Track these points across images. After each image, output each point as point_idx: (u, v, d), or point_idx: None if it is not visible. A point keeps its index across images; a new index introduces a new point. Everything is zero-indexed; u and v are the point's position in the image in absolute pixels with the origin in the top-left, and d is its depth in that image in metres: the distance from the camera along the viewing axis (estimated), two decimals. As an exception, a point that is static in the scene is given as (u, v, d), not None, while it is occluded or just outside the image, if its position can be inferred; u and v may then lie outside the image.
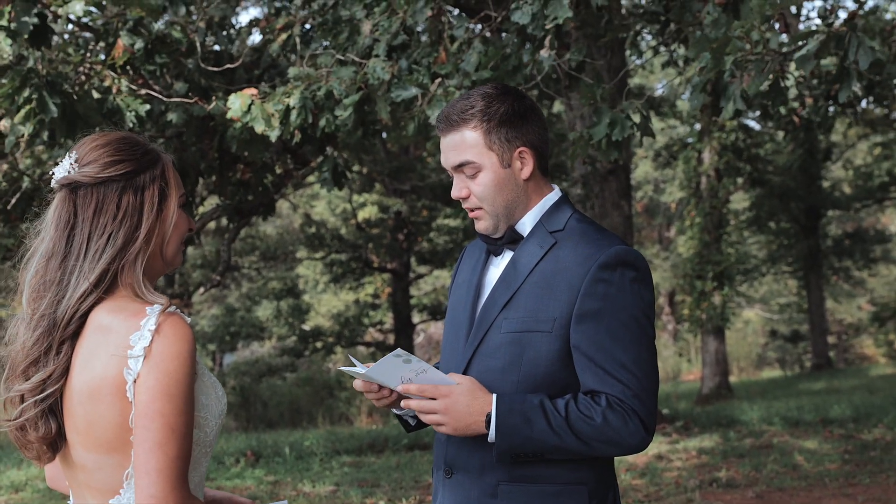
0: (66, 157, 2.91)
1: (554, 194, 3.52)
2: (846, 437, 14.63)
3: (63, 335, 2.76)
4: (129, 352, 2.68)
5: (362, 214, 31.06)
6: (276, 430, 21.21)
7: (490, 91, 3.45)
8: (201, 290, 16.76)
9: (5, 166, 8.83)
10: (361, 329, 34.16)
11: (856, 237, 35.72)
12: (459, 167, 3.43)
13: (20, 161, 8.95)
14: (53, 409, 2.79)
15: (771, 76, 6.43)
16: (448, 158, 3.46)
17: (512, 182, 3.42)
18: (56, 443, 2.82)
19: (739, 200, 36.71)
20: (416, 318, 33.40)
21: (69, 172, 2.87)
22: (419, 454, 15.09)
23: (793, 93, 13.25)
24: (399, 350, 3.21)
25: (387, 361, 3.23)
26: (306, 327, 34.83)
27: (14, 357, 2.83)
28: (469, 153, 3.39)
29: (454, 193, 3.47)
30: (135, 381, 2.67)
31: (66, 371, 2.77)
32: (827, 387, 26.03)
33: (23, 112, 7.00)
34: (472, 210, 3.48)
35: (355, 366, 3.37)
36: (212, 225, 26.49)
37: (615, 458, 3.52)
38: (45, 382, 2.77)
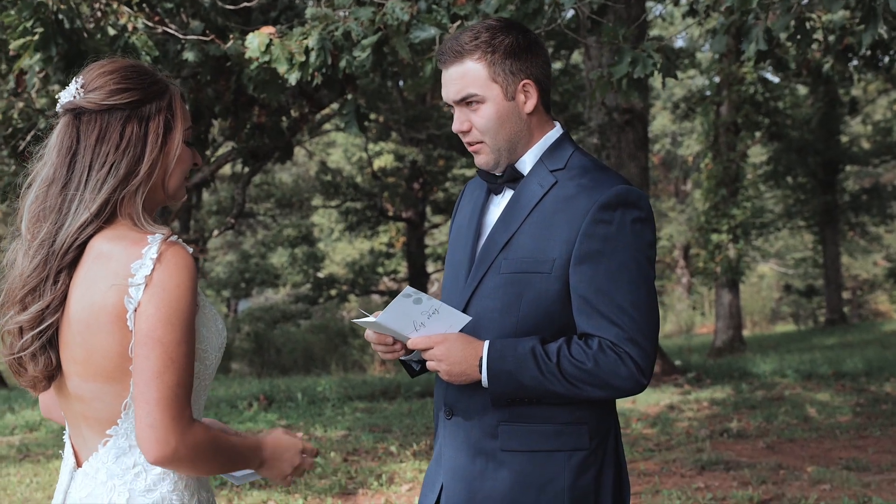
0: (73, 81, 2.86)
1: (555, 131, 3.45)
2: (858, 390, 14.64)
3: (61, 264, 2.72)
4: (131, 280, 2.64)
5: (378, 163, 31.04)
6: (289, 377, 21.28)
7: (494, 23, 3.37)
8: (215, 232, 16.76)
9: (21, 104, 8.81)
10: (376, 277, 34.24)
11: (873, 193, 35.51)
12: (462, 100, 3.36)
13: (35, 101, 8.93)
14: (52, 341, 2.75)
15: (796, 19, 6.36)
16: (450, 91, 3.38)
17: (515, 115, 3.35)
18: (53, 374, 2.79)
19: (757, 154, 36.54)
20: (430, 267, 33.41)
21: (74, 98, 2.82)
22: (430, 401, 15.13)
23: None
24: (408, 289, 3.17)
25: (398, 304, 3.19)
26: (321, 275, 34.92)
27: (11, 284, 2.79)
28: (473, 86, 3.32)
29: (455, 127, 3.40)
30: (136, 310, 2.64)
31: (63, 301, 2.73)
32: (840, 341, 26.00)
33: (20, 42, 6.93)
34: (472, 144, 3.41)
35: (367, 317, 3.32)
36: (228, 171, 26.49)
37: (618, 400, 3.49)
38: (44, 313, 2.72)
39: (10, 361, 2.80)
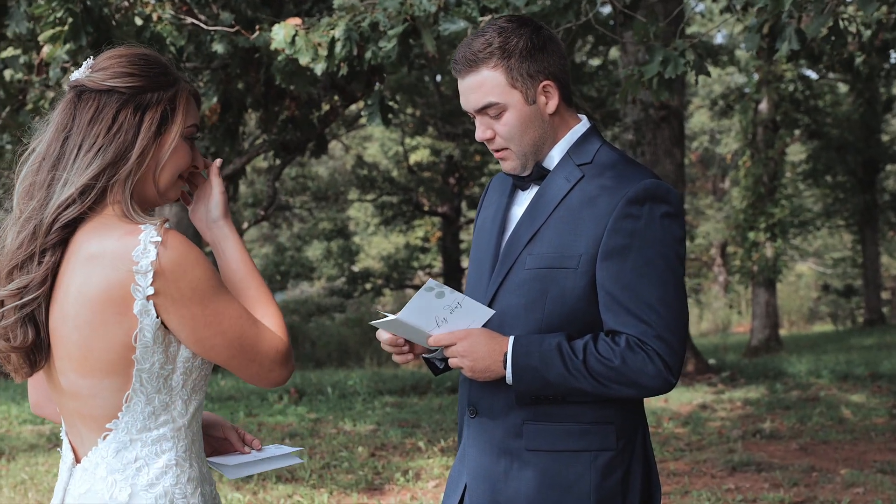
0: (87, 61, 2.86)
1: (581, 125, 3.38)
2: (895, 392, 14.47)
3: (44, 243, 2.68)
4: (135, 268, 2.59)
5: (414, 157, 31.03)
6: (322, 370, 21.29)
7: (505, 25, 3.28)
8: (246, 225, 16.79)
9: (52, 94, 8.82)
10: (410, 272, 34.24)
11: (913, 192, 35.25)
12: (482, 109, 3.28)
13: (57, 89, 8.92)
14: (34, 320, 2.70)
15: (831, 19, 6.25)
16: (469, 101, 3.30)
17: (538, 118, 3.27)
18: (34, 356, 2.74)
19: (796, 152, 36.27)
20: (464, 262, 33.34)
21: (81, 75, 2.80)
22: (461, 397, 15.08)
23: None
24: (431, 282, 3.11)
25: (419, 298, 3.12)
26: (356, 269, 34.97)
27: (1, 259, 2.75)
28: (492, 94, 3.24)
29: (478, 136, 3.33)
30: (147, 298, 2.60)
31: (45, 281, 2.68)
32: (878, 342, 25.75)
33: (49, 32, 6.91)
34: (497, 150, 3.34)
35: (386, 317, 3.23)
36: (264, 164, 26.54)
37: (649, 399, 3.41)
38: (25, 290, 2.68)
39: None
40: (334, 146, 33.97)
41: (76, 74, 2.81)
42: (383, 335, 3.31)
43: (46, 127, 2.82)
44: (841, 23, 6.39)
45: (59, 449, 2.94)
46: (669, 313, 3.13)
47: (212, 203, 2.97)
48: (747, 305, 39.36)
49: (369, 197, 32.98)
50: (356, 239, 38.06)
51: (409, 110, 26.76)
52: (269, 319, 2.82)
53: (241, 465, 3.05)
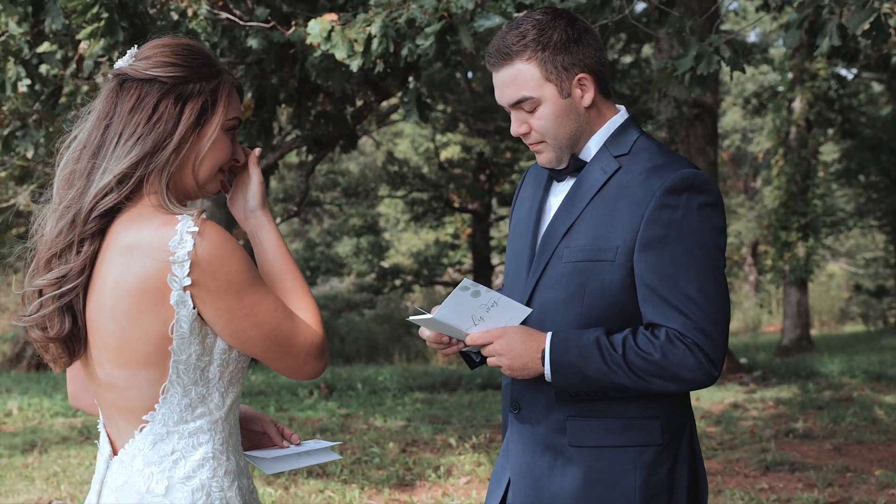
0: (130, 50, 2.86)
1: (619, 116, 3.33)
2: (929, 393, 14.39)
3: (83, 232, 2.67)
4: (172, 258, 2.58)
5: (445, 154, 31.02)
6: (351, 366, 21.33)
7: (540, 17, 3.24)
8: (278, 220, 16.81)
9: (86, 88, 8.84)
10: (440, 268, 34.22)
11: (947, 193, 35.00)
12: (517, 103, 3.24)
13: (102, 84, 8.95)
14: (72, 309, 2.69)
15: (874, 14, 6.19)
16: (504, 95, 3.27)
17: (573, 111, 3.24)
18: (72, 345, 2.73)
19: (829, 152, 36.08)
20: (495, 259, 33.34)
21: (124, 64, 2.80)
22: (491, 393, 15.10)
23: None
24: (466, 281, 3.08)
25: (455, 298, 3.10)
26: (385, 265, 34.99)
27: (41, 248, 2.74)
28: (526, 88, 3.21)
29: (514, 130, 3.30)
30: (184, 289, 2.59)
31: (83, 270, 2.67)
32: (911, 343, 25.63)
33: (88, 30, 6.94)
34: (533, 144, 3.31)
35: (423, 314, 3.21)
36: (295, 159, 26.57)
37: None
38: (63, 279, 2.67)
39: (32, 329, 2.74)
40: (365, 142, 34.01)
41: (120, 63, 2.81)
42: (426, 332, 3.30)
43: (88, 115, 2.81)
44: (883, 18, 6.33)
45: (94, 441, 2.93)
46: (710, 305, 3.09)
47: (250, 193, 2.95)
48: (778, 305, 39.23)
49: (399, 193, 32.97)
50: (386, 235, 38.07)
51: (441, 107, 26.73)
52: (305, 312, 2.82)
53: (279, 459, 3.04)
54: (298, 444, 3.12)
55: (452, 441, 10.76)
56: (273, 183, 30.53)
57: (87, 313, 2.70)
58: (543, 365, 3.13)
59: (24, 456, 10.43)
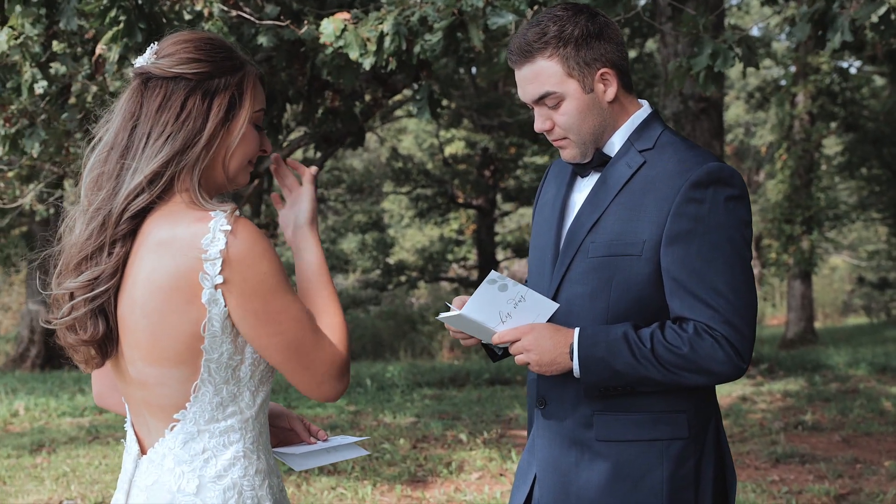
0: (150, 47, 2.82)
1: (643, 111, 3.34)
2: (935, 385, 14.43)
3: (114, 234, 2.66)
4: (203, 256, 2.57)
5: (449, 150, 30.99)
6: (357, 362, 21.33)
7: (560, 13, 3.24)
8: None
9: (94, 88, 8.85)
10: (445, 264, 34.19)
11: (950, 185, 35.02)
12: (540, 100, 3.25)
13: (110, 84, 8.97)
14: (104, 311, 2.68)
15: (884, 7, 6.20)
16: (526, 92, 3.28)
17: (597, 107, 3.24)
18: (105, 347, 2.73)
19: (831, 145, 36.07)
20: (500, 255, 33.34)
21: (146, 62, 2.77)
22: (500, 389, 15.11)
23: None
24: (494, 273, 3.09)
25: (483, 292, 3.11)
26: (390, 261, 34.97)
27: (69, 250, 2.73)
28: (548, 84, 3.21)
29: (537, 126, 3.31)
30: (216, 287, 2.59)
31: (116, 272, 2.66)
32: (915, 335, 25.67)
33: (109, 34, 6.97)
34: (557, 140, 3.31)
35: (452, 311, 3.22)
36: (299, 156, 26.59)
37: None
38: (95, 282, 2.66)
39: (62, 330, 2.73)
40: (369, 138, 33.95)
41: (140, 61, 2.78)
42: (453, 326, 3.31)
43: (113, 116, 2.79)
44: (893, 14, 6.35)
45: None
46: (738, 298, 3.09)
47: (301, 208, 2.95)
48: (781, 298, 39.25)
49: (404, 189, 32.94)
50: (391, 231, 38.04)
51: (445, 102, 26.72)
52: (333, 330, 2.78)
53: (307, 455, 3.03)
54: (326, 441, 3.11)
55: (463, 437, 10.78)
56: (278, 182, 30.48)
57: (118, 310, 2.69)
58: (572, 360, 3.14)
59: (33, 456, 10.43)
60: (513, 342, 3.19)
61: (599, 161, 3.32)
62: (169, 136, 2.69)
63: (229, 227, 2.59)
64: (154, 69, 2.73)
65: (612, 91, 3.25)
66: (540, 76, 3.23)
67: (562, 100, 3.23)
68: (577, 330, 3.16)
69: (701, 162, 3.15)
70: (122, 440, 10.61)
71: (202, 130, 2.71)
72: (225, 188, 2.86)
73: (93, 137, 2.84)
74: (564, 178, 3.47)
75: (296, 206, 2.97)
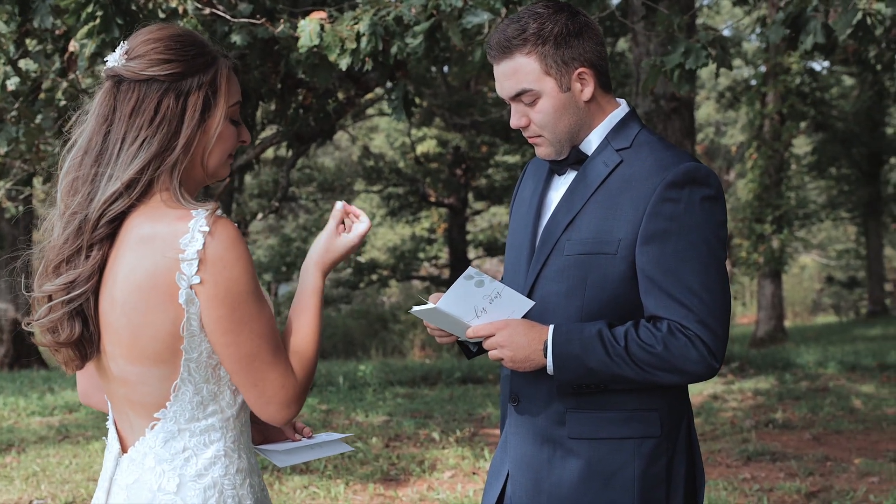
0: (120, 45, 2.78)
1: (620, 110, 3.34)
2: (904, 382, 14.54)
3: (91, 238, 2.64)
4: (181, 256, 2.55)
5: (421, 148, 30.99)
6: (329, 361, 21.31)
7: (541, 10, 3.24)
8: (259, 216, 16.81)
9: (65, 84, 8.81)
10: (417, 263, 34.20)
11: (917, 185, 35.35)
12: (517, 96, 3.25)
13: (81, 80, 8.93)
14: (83, 313, 2.66)
15: (859, 14, 6.25)
16: (504, 88, 3.28)
17: (573, 105, 3.25)
18: (84, 348, 2.71)
19: (801, 145, 36.30)
20: (471, 253, 33.35)
21: (117, 63, 2.73)
22: (472, 387, 15.14)
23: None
24: (471, 269, 3.09)
25: (459, 287, 3.10)
26: (362, 260, 34.93)
27: (48, 253, 2.71)
28: (526, 81, 3.22)
29: (513, 122, 3.31)
30: (191, 287, 2.57)
31: (93, 275, 2.64)
32: (883, 333, 25.83)
33: (86, 29, 6.93)
34: (532, 137, 3.32)
35: (426, 305, 3.20)
36: (269, 154, 26.53)
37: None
38: (72, 284, 2.64)
39: (42, 332, 2.71)
40: (340, 137, 33.94)
41: (111, 62, 2.74)
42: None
43: (87, 118, 2.76)
44: (868, 19, 6.39)
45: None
46: (712, 298, 3.10)
47: (316, 244, 2.94)
48: (751, 297, 39.47)
49: (376, 188, 32.93)
50: (363, 230, 37.96)
51: (417, 101, 26.69)
52: (298, 353, 2.74)
53: (291, 452, 3.03)
54: (310, 437, 3.11)
55: (436, 435, 10.79)
56: (248, 179, 30.44)
57: (100, 306, 2.68)
58: (546, 358, 3.14)
59: (2, 456, 10.35)
60: (487, 337, 3.18)
61: (576, 159, 3.32)
62: (144, 140, 2.66)
63: (208, 228, 2.57)
64: (125, 72, 2.70)
65: (588, 90, 3.26)
66: (518, 73, 3.23)
67: (538, 97, 3.23)
68: (551, 327, 3.16)
69: (677, 162, 3.16)
70: (94, 440, 10.58)
71: (178, 133, 2.69)
72: (205, 183, 2.84)
73: (66, 137, 2.82)
74: (542, 176, 3.48)
75: (328, 243, 2.94)
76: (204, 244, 2.56)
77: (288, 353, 2.73)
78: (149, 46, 2.73)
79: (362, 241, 2.97)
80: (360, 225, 2.95)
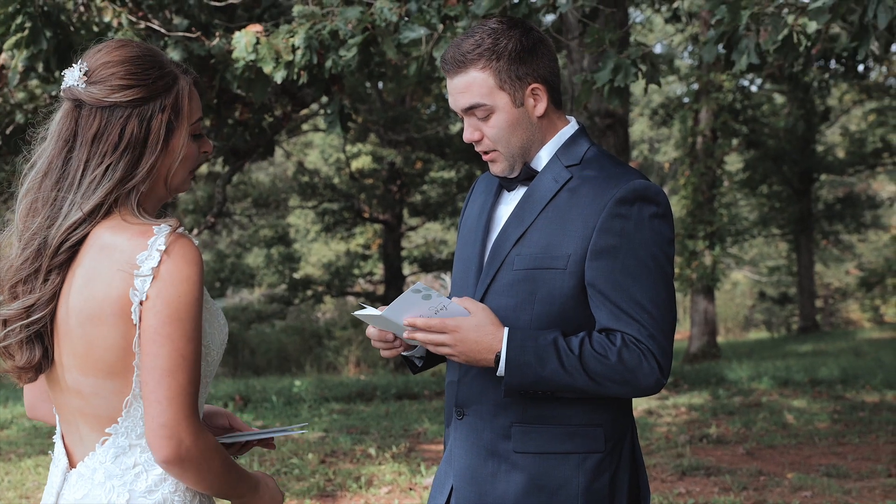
0: (79, 63, 2.73)
1: (570, 127, 3.38)
2: (835, 397, 14.70)
3: (51, 263, 2.62)
4: (136, 272, 2.54)
5: (356, 164, 30.94)
6: (263, 377, 21.20)
7: (496, 26, 3.27)
8: (195, 231, 16.70)
9: (-1, 99, 8.74)
10: (351, 279, 34.13)
11: (847, 202, 35.89)
12: (470, 110, 3.27)
13: (13, 95, 8.85)
14: (41, 335, 2.65)
15: (786, 30, 6.34)
16: (457, 101, 3.30)
17: (526, 121, 3.27)
18: (40, 365, 2.69)
19: (734, 162, 36.68)
20: (406, 269, 33.33)
21: (76, 84, 2.69)
22: (408, 403, 15.11)
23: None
24: (419, 284, 3.08)
25: (405, 298, 3.10)
26: (296, 276, 34.82)
27: (4, 271, 2.69)
28: (479, 95, 3.23)
29: (466, 136, 3.32)
30: (141, 303, 2.55)
31: (53, 298, 2.62)
32: (814, 349, 26.12)
33: (13, 40, 6.86)
34: (486, 153, 3.33)
35: (369, 310, 3.20)
36: (204, 170, 26.37)
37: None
38: (31, 309, 2.63)
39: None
40: (276, 152, 33.77)
41: (69, 81, 2.70)
42: (371, 330, 3.32)
43: (48, 137, 2.73)
44: (795, 36, 6.48)
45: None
46: (661, 314, 3.13)
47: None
48: (685, 313, 39.74)
49: (310, 204, 32.82)
50: (297, 246, 37.89)
51: (352, 115, 26.65)
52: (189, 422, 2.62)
53: (249, 437, 3.01)
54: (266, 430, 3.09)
55: (372, 451, 10.76)
56: (183, 195, 30.22)
57: (56, 315, 2.65)
58: (497, 363, 3.14)
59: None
60: (436, 340, 3.15)
61: (526, 175, 3.34)
62: (108, 166, 2.64)
63: (164, 247, 2.56)
64: (87, 98, 2.67)
65: (541, 106, 3.29)
66: (471, 87, 3.25)
67: (492, 112, 3.26)
68: (505, 331, 3.15)
69: (627, 179, 3.19)
70: (25, 457, 10.45)
71: (142, 158, 2.67)
72: (167, 199, 2.83)
73: (22, 156, 2.79)
74: (491, 192, 3.49)
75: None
76: (160, 262, 2.55)
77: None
78: (109, 70, 2.69)
79: None
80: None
